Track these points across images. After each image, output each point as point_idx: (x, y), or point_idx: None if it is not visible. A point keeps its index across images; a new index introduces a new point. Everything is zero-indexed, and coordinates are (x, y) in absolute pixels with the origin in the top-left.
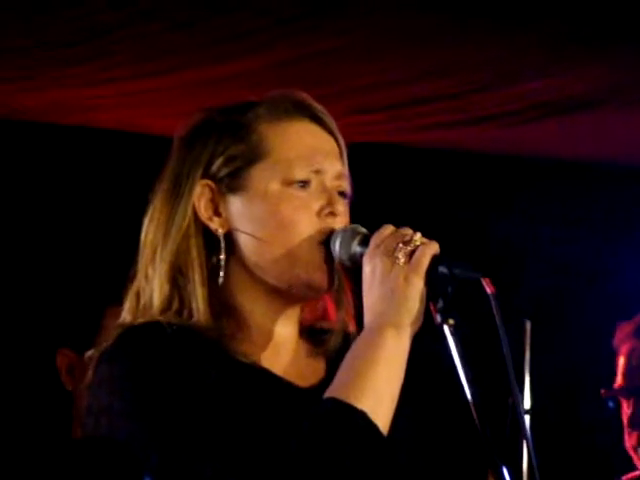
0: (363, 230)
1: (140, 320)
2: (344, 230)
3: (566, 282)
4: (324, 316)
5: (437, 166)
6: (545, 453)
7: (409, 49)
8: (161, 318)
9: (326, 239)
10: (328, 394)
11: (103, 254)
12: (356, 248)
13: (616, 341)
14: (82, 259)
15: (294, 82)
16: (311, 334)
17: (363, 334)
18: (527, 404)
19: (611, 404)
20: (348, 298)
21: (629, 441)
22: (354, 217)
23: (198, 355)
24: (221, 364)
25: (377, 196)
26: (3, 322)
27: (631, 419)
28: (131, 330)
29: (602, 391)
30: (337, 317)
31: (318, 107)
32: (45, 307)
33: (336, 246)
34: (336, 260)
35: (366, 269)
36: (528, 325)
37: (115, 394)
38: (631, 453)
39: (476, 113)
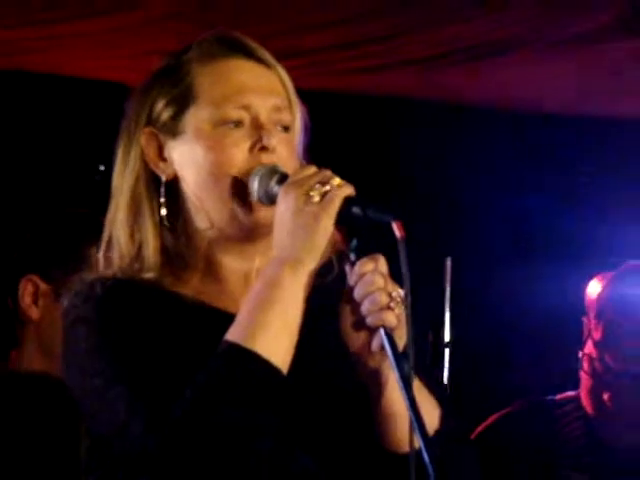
0: (282, 169)
1: (95, 276)
2: (262, 169)
3: (488, 222)
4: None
5: (360, 111)
6: (465, 384)
7: None
8: (111, 271)
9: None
10: (226, 336)
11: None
12: (274, 186)
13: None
14: None
15: (216, 24)
16: None
17: (264, 270)
18: (447, 337)
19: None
20: None
21: (586, 349)
22: None
23: (139, 307)
24: (165, 309)
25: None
26: None
27: (604, 339)
28: (80, 289)
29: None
30: None
31: (251, 43)
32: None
33: (254, 184)
34: (254, 198)
35: (280, 206)
36: (448, 263)
37: (65, 346)
38: (583, 361)
39: (400, 57)
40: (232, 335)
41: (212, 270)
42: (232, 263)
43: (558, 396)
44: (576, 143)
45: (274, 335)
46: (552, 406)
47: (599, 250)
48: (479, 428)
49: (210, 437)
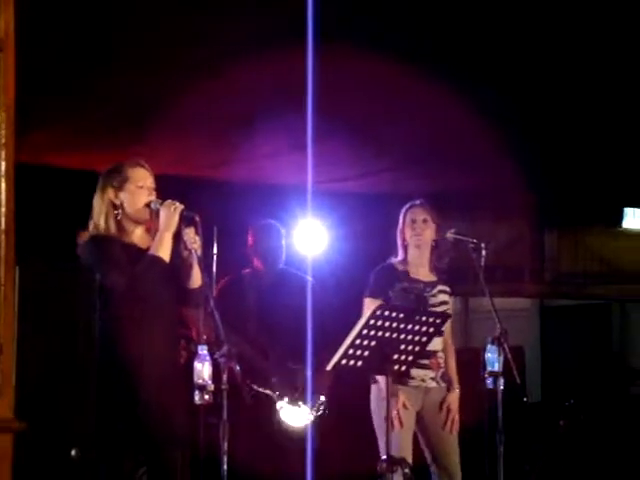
0: (159, 200)
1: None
2: (156, 201)
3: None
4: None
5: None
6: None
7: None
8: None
9: (149, 204)
10: (149, 250)
11: None
12: (158, 205)
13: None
14: None
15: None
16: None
17: (158, 233)
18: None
19: None
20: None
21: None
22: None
23: (112, 242)
24: (119, 244)
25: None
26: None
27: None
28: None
29: None
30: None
31: (147, 165)
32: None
33: (153, 204)
34: (154, 208)
35: (161, 213)
36: (215, 229)
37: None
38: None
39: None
40: (151, 250)
41: (130, 233)
42: (135, 229)
43: (244, 271)
44: None
45: (163, 249)
46: (244, 275)
47: None
48: (218, 286)
49: (137, 278)
